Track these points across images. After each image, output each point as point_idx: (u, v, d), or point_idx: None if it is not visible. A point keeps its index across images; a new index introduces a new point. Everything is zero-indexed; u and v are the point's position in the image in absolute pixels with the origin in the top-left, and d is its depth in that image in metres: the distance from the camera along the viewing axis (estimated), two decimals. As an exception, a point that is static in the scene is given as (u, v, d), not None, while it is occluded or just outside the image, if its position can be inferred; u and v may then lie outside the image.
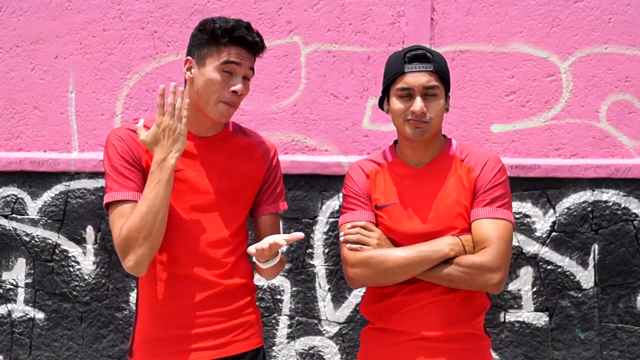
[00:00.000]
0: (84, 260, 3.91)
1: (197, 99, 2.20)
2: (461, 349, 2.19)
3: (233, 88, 2.16)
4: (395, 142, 2.37)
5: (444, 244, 2.15)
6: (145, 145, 2.11)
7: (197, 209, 2.21)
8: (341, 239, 2.27)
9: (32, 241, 3.96)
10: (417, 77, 2.17)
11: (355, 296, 3.76)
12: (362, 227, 2.24)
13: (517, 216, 3.67)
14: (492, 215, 2.17)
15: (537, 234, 3.68)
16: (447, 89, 2.24)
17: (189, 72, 2.22)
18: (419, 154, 2.27)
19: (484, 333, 2.28)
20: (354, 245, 2.22)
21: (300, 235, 2.05)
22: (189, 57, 2.22)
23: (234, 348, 2.24)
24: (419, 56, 2.18)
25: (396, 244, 2.23)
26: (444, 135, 2.34)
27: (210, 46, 2.18)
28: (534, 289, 3.69)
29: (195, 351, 2.21)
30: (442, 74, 2.20)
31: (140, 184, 2.15)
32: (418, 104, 2.16)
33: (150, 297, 2.23)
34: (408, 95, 2.18)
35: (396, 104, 2.21)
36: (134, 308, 2.49)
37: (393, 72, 2.21)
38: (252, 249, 2.10)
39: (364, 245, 2.21)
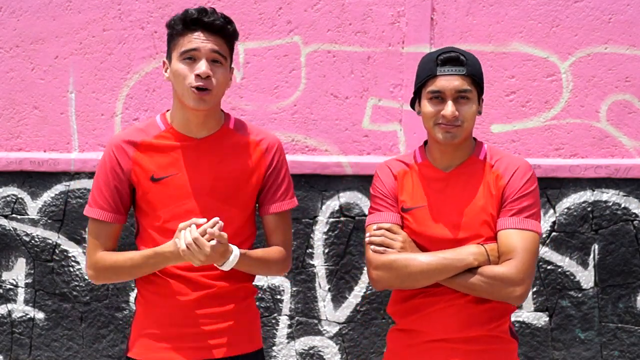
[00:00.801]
0: (84, 260, 3.91)
1: (176, 95, 2.20)
2: (480, 350, 2.17)
3: (196, 71, 2.11)
4: (426, 142, 2.34)
5: (468, 253, 2.13)
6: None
7: (191, 213, 2.18)
8: (366, 240, 2.25)
9: (32, 241, 3.96)
10: (449, 81, 2.13)
11: (355, 296, 3.76)
12: (387, 229, 2.21)
13: (517, 216, 3.68)
14: (519, 226, 2.14)
15: (537, 234, 3.68)
16: (480, 92, 2.20)
17: (165, 74, 2.23)
18: (448, 157, 2.23)
19: (510, 336, 2.25)
20: (378, 248, 2.20)
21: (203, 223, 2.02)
22: (164, 60, 2.24)
23: (227, 350, 2.23)
24: (452, 59, 2.14)
25: (422, 247, 2.21)
26: (475, 139, 2.29)
27: (172, 40, 2.18)
28: (534, 289, 3.69)
29: (188, 350, 2.20)
30: (475, 77, 2.16)
31: (121, 203, 2.25)
32: (449, 108, 2.12)
33: (146, 295, 2.25)
34: (439, 98, 2.15)
35: (427, 106, 2.17)
36: (134, 306, 2.50)
37: (425, 74, 2.17)
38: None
39: (388, 247, 2.19)
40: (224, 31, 2.16)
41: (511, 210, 2.16)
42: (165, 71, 2.23)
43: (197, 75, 2.11)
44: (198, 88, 2.12)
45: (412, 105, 2.28)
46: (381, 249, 2.20)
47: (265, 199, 2.30)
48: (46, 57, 3.95)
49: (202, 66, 2.11)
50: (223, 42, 2.17)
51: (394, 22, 3.76)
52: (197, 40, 2.12)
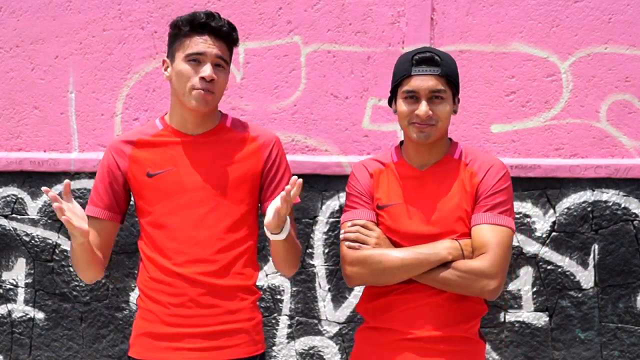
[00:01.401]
0: (84, 260, 3.91)
1: (176, 94, 2.24)
2: (452, 351, 2.19)
3: (201, 74, 2.16)
4: (402, 142, 2.37)
5: (442, 248, 2.15)
6: None
7: (185, 207, 2.21)
8: (341, 236, 2.28)
9: (32, 241, 3.96)
10: (423, 81, 2.17)
11: (355, 296, 3.76)
12: (362, 225, 2.25)
13: (517, 216, 3.67)
14: (493, 222, 2.17)
15: (537, 234, 3.68)
16: (455, 92, 2.23)
17: (166, 72, 2.26)
18: (423, 156, 2.27)
19: (479, 337, 2.27)
20: (352, 244, 2.23)
21: (294, 182, 2.08)
22: (165, 58, 2.28)
23: (224, 353, 2.22)
24: (427, 59, 2.17)
25: (396, 244, 2.23)
26: (450, 139, 2.33)
27: (176, 40, 2.22)
28: (534, 289, 3.69)
29: (184, 350, 2.21)
30: (449, 77, 2.19)
31: (112, 202, 2.29)
32: (423, 107, 2.16)
33: (147, 294, 2.27)
34: (414, 98, 2.18)
35: (402, 106, 2.21)
36: (135, 307, 2.51)
37: (400, 74, 2.21)
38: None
39: (362, 244, 2.22)
40: (229, 37, 2.23)
41: (485, 206, 2.19)
42: (165, 70, 2.26)
43: (202, 78, 2.16)
44: (202, 90, 2.17)
45: (390, 104, 2.31)
46: (356, 245, 2.22)
47: (266, 196, 2.30)
48: (46, 57, 3.95)
49: (207, 70, 2.16)
50: (226, 47, 2.23)
51: (394, 22, 3.76)
52: (204, 44, 2.17)
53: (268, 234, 2.15)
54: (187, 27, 2.18)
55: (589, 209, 3.67)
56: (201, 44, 2.17)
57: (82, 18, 3.92)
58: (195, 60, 2.17)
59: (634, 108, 3.68)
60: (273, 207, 2.08)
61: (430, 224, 2.21)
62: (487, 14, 3.72)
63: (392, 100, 2.30)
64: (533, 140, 3.71)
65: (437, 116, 2.18)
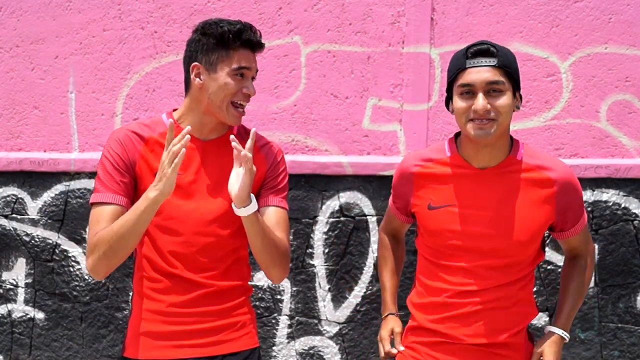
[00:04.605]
0: (84, 260, 3.91)
1: (208, 104, 2.19)
2: (502, 355, 2.16)
3: (245, 90, 2.18)
4: (457, 135, 2.23)
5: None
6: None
7: (191, 213, 2.19)
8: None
9: (32, 241, 3.96)
10: (479, 73, 2.02)
11: (355, 296, 3.76)
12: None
13: (517, 216, 3.67)
14: (584, 231, 2.33)
15: (537, 234, 3.68)
16: (515, 85, 2.08)
17: (198, 79, 2.19)
18: (484, 157, 2.11)
19: (527, 340, 2.24)
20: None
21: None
22: (196, 63, 2.19)
23: (224, 347, 2.23)
24: (482, 51, 2.04)
25: (454, 245, 2.13)
26: (511, 137, 2.18)
27: (219, 51, 2.16)
28: (534, 289, 3.68)
29: (184, 348, 2.21)
30: (507, 69, 2.04)
31: (127, 188, 2.18)
32: (480, 101, 2.00)
33: (142, 293, 2.26)
34: (470, 93, 2.03)
35: (458, 102, 2.06)
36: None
37: (455, 68, 2.09)
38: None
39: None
40: (261, 51, 2.26)
41: (575, 223, 2.26)
42: (197, 76, 2.19)
43: (246, 95, 2.20)
44: (242, 105, 2.21)
45: (447, 105, 2.17)
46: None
47: (262, 192, 2.28)
48: (46, 57, 3.95)
49: (251, 87, 2.20)
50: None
51: (394, 22, 3.76)
52: (250, 59, 2.20)
53: (235, 209, 2.09)
54: (236, 42, 2.15)
55: (589, 209, 3.67)
56: (248, 58, 2.19)
57: (82, 18, 3.92)
58: (241, 74, 2.18)
59: (634, 108, 3.68)
60: (234, 174, 2.07)
61: (489, 227, 2.10)
62: (487, 14, 3.72)
63: (448, 100, 2.14)
64: (533, 140, 3.71)
65: (497, 110, 2.01)
